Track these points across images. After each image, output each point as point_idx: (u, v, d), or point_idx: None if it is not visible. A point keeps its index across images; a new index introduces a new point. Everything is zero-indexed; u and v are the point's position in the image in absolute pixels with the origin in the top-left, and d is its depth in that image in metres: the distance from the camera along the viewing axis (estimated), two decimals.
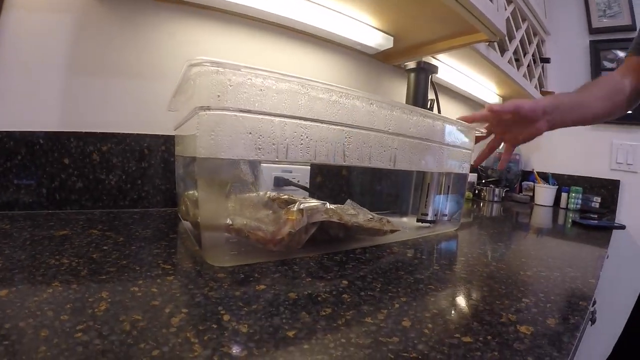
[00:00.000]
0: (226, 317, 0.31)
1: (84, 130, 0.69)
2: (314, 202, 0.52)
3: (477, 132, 0.76)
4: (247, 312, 0.33)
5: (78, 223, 0.59)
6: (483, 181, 1.73)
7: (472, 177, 1.71)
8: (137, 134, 0.74)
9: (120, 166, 0.72)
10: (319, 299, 0.37)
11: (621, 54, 1.69)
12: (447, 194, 0.79)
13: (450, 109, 1.64)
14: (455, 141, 0.72)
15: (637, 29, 0.75)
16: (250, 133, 0.42)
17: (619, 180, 1.73)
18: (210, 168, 0.42)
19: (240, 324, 0.30)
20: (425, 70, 0.87)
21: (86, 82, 0.70)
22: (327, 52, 1.06)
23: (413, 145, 0.62)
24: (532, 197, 1.81)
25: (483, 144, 0.79)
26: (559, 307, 0.41)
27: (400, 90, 1.30)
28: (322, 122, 0.48)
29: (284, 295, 0.37)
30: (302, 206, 0.49)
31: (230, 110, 0.41)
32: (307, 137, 0.47)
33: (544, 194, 1.73)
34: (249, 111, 0.42)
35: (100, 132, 0.70)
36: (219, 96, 0.40)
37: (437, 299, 0.40)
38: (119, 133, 0.72)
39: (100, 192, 0.71)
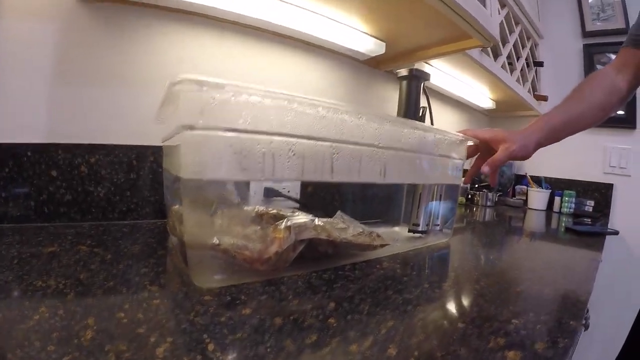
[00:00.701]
0: (210, 347, 0.31)
1: (71, 142, 0.68)
2: (302, 219, 0.51)
3: (469, 142, 0.76)
4: (232, 340, 0.32)
5: (67, 238, 0.59)
6: (476, 185, 1.74)
7: None
8: (126, 145, 0.73)
9: (109, 178, 0.72)
10: (305, 324, 0.36)
11: (615, 57, 1.69)
12: (439, 203, 0.79)
13: (443, 115, 1.64)
14: (447, 151, 0.71)
15: (636, 20, 0.73)
16: (235, 152, 0.41)
17: (613, 184, 1.73)
18: (194, 188, 0.41)
19: (225, 354, 0.30)
20: (418, 78, 0.87)
21: (72, 91, 0.69)
22: (316, 58, 1.05)
23: (403, 158, 0.62)
24: (525, 201, 1.82)
25: (471, 159, 0.79)
26: (549, 327, 0.41)
27: (392, 96, 1.29)
28: (309, 138, 0.48)
29: (269, 321, 0.36)
30: (289, 223, 0.49)
31: (214, 129, 0.40)
32: (293, 154, 0.46)
33: (537, 198, 1.74)
34: (233, 130, 0.41)
35: (87, 144, 0.69)
36: (202, 115, 0.39)
37: (425, 322, 0.40)
38: (106, 144, 0.71)
39: (89, 205, 0.70)
